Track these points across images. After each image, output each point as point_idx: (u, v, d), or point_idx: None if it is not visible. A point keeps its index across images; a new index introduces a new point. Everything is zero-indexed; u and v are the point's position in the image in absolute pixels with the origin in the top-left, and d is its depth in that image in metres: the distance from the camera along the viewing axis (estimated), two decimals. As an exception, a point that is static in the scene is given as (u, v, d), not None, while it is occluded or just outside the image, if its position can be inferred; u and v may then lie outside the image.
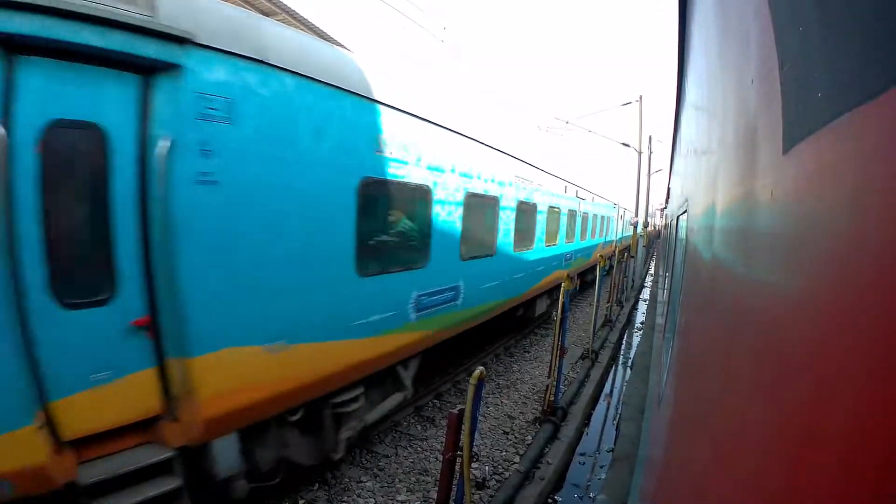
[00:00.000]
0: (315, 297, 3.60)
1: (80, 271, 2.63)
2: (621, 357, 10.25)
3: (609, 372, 8.84)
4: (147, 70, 2.65)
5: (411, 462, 5.00)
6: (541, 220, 8.85)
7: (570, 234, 11.45)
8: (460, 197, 5.55)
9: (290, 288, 3.41)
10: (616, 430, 6.32)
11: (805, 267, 0.68)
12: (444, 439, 3.23)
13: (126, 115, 2.61)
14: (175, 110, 2.68)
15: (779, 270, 0.82)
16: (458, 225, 5.55)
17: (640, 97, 18.90)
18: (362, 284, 4.01)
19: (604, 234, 17.44)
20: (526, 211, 7.95)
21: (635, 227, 18.57)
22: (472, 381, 3.05)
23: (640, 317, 14.40)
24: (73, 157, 2.50)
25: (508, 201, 7.11)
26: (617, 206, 20.63)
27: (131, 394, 2.79)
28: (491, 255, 6.66)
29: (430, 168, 4.88)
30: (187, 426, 2.94)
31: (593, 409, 7.08)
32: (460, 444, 3.08)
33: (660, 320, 7.06)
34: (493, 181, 6.50)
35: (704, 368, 1.56)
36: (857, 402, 0.48)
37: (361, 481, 4.58)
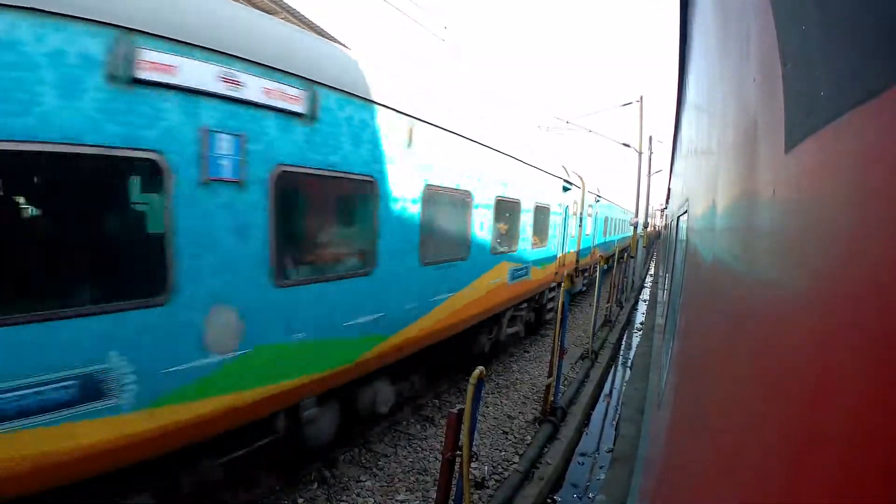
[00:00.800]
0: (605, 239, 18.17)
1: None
2: (621, 357, 10.26)
3: (609, 372, 8.84)
4: None
5: (410, 461, 5.00)
6: (615, 224, 20.90)
7: (617, 231, 23.45)
8: (601, 217, 16.79)
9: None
10: (615, 430, 6.33)
11: (806, 266, 0.68)
12: (443, 439, 3.22)
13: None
14: None
15: (780, 270, 0.82)
16: (602, 227, 17.35)
17: (641, 97, 18.89)
18: (605, 237, 18.60)
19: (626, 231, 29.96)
20: (613, 220, 19.73)
21: (635, 228, 18.63)
22: (472, 380, 3.04)
23: (639, 317, 14.41)
24: None
25: (609, 218, 18.96)
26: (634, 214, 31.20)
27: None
28: (605, 237, 18.45)
29: (610, 208, 19.80)
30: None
31: (593, 409, 7.08)
32: (460, 443, 3.07)
33: (660, 321, 7.09)
34: (607, 209, 18.57)
35: (704, 369, 1.56)
36: (857, 402, 0.48)
37: (360, 480, 4.58)
